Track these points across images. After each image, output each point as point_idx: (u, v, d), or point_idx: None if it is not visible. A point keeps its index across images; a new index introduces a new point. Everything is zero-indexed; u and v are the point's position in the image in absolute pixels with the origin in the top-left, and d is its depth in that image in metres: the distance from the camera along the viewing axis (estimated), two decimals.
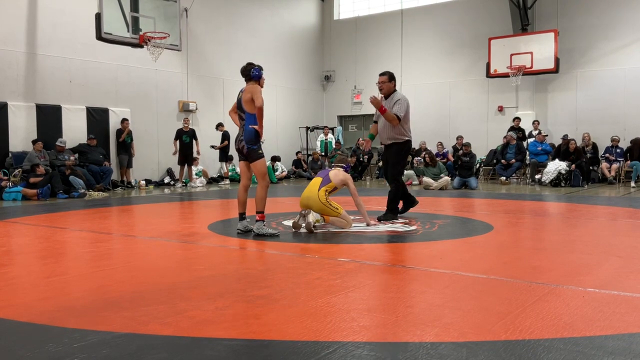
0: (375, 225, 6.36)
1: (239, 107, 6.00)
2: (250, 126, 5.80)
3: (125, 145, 13.08)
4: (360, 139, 16.86)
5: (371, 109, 18.46)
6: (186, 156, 13.72)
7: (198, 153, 14.00)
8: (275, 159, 16.23)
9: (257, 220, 5.74)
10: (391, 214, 6.89)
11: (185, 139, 13.65)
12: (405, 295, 3.38)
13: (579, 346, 2.46)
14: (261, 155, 5.83)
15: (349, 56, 18.87)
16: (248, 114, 5.85)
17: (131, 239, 5.86)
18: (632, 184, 12.38)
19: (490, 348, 2.45)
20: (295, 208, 6.35)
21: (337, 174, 6.40)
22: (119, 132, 13.02)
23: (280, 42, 17.86)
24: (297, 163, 17.42)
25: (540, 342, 2.51)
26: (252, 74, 6.11)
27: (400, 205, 7.23)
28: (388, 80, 6.96)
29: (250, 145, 5.78)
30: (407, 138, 6.94)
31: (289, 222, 6.61)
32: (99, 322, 2.84)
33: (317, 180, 6.27)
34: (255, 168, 5.84)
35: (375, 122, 7.28)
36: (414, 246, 5.17)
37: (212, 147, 14.78)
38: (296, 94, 18.54)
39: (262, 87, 6.05)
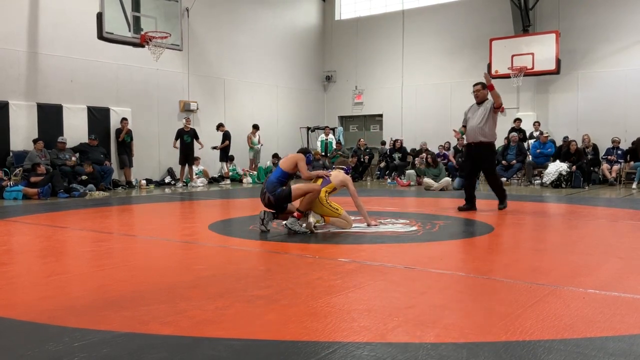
0: (375, 225, 6.37)
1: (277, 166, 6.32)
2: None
3: (125, 145, 13.08)
4: (361, 140, 16.85)
5: (373, 110, 18.55)
6: (187, 156, 13.72)
7: (201, 146, 13.95)
8: (276, 156, 16.25)
9: (292, 216, 5.90)
10: (503, 200, 8.00)
11: (187, 139, 13.65)
12: (405, 295, 3.38)
13: (579, 347, 2.46)
14: (289, 189, 5.99)
15: (350, 56, 18.88)
16: (279, 168, 6.16)
17: (132, 238, 5.86)
18: (634, 185, 12.36)
19: (491, 349, 2.45)
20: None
21: (337, 175, 6.41)
22: (118, 132, 13.02)
23: (282, 42, 17.87)
24: None
25: (541, 343, 2.50)
26: (307, 155, 6.40)
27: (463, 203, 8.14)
28: (482, 89, 8.10)
29: (274, 192, 5.95)
30: (494, 139, 8.08)
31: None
32: (99, 322, 2.84)
33: (317, 182, 6.28)
34: (298, 195, 5.97)
35: (464, 126, 8.31)
36: (415, 247, 5.17)
37: (214, 148, 14.79)
38: (297, 94, 18.54)
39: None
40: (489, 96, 8.02)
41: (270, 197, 5.97)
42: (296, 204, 6.13)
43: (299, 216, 5.94)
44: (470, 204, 8.08)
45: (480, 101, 8.15)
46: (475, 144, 8.02)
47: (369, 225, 6.33)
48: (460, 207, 8.11)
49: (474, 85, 8.31)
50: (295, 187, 6.02)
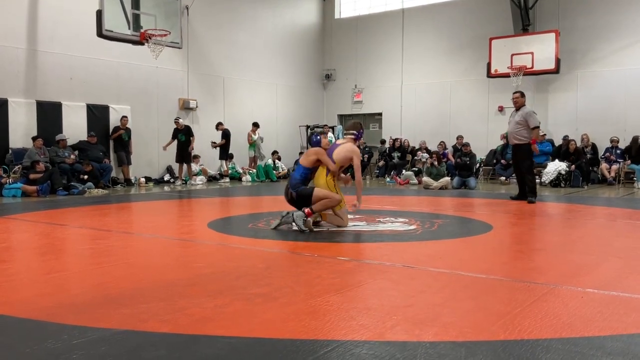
0: (355, 207, 6.23)
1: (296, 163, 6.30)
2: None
3: (123, 143, 13.05)
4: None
5: (372, 108, 18.57)
6: (183, 154, 13.70)
7: (192, 148, 13.90)
8: (275, 153, 16.24)
9: (302, 211, 5.85)
10: (532, 195, 8.92)
11: (181, 137, 13.62)
12: (404, 294, 3.38)
13: (577, 346, 2.47)
14: (311, 189, 5.99)
15: (349, 55, 18.87)
16: (300, 166, 6.17)
17: (131, 236, 5.86)
18: (638, 185, 12.36)
19: (489, 348, 2.45)
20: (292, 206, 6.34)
21: (340, 151, 6.21)
22: (115, 130, 12.98)
23: (281, 41, 17.86)
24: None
25: (539, 342, 2.51)
26: (311, 140, 6.40)
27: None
28: (520, 97, 9.21)
29: (296, 188, 5.96)
30: (527, 140, 8.91)
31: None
32: (98, 319, 2.84)
33: (322, 170, 6.22)
34: (320, 200, 5.91)
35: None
36: (414, 245, 5.17)
37: (212, 143, 14.77)
38: (297, 92, 18.54)
39: (325, 148, 6.25)
40: (525, 103, 9.28)
41: (293, 193, 5.99)
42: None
43: (309, 214, 5.89)
44: (521, 195, 9.16)
45: (518, 107, 9.17)
46: (513, 146, 9.19)
47: (355, 206, 6.21)
48: (512, 197, 9.43)
49: (513, 93, 9.39)
50: (317, 190, 5.98)
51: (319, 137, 6.33)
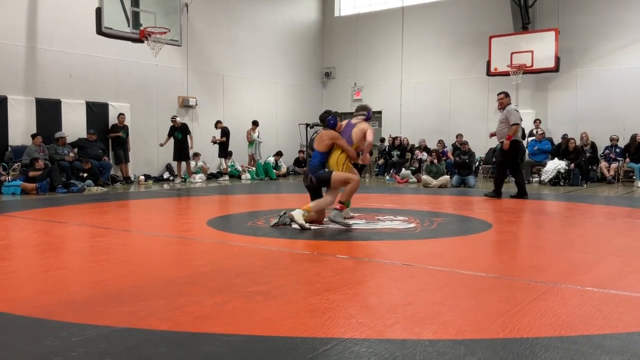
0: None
1: (310, 145, 6.35)
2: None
3: (120, 141, 13.03)
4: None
5: (372, 106, 18.45)
6: (180, 152, 13.69)
7: (191, 147, 13.91)
8: (279, 154, 16.24)
9: (334, 209, 5.97)
10: (522, 194, 9.21)
11: (178, 135, 13.61)
12: (403, 292, 3.38)
13: (576, 345, 2.47)
14: (330, 172, 6.07)
15: (349, 53, 18.85)
16: (316, 152, 6.21)
17: (130, 234, 5.86)
18: (638, 183, 12.35)
19: (488, 346, 2.45)
20: (294, 205, 6.34)
21: (357, 131, 6.31)
22: (113, 128, 12.96)
23: (281, 39, 17.84)
24: (298, 161, 17.43)
25: (538, 341, 2.51)
26: (328, 122, 6.37)
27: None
28: (505, 97, 9.43)
29: (315, 173, 6.07)
30: (516, 139, 9.13)
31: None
32: (97, 317, 2.84)
33: (335, 151, 6.25)
34: (338, 183, 6.06)
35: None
36: (413, 244, 5.17)
37: (213, 138, 14.77)
38: (296, 90, 18.52)
39: (339, 130, 6.37)
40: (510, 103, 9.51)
41: (313, 178, 6.09)
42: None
43: (342, 208, 6.02)
44: (496, 193, 9.35)
45: (502, 107, 9.38)
46: (501, 144, 9.32)
47: (363, 162, 6.52)
48: (486, 194, 9.61)
49: (498, 94, 9.66)
50: (335, 174, 6.05)
51: (335, 119, 6.38)
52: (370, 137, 6.25)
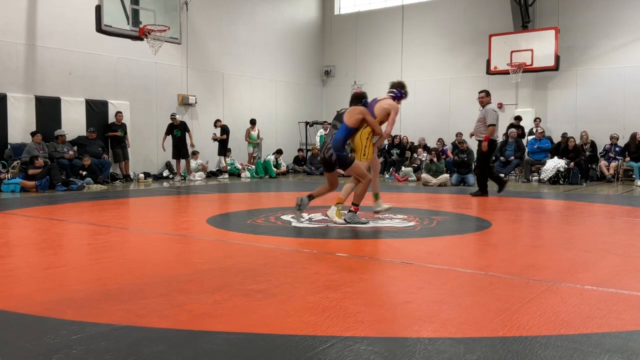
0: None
1: (336, 118, 6.35)
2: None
3: (119, 139, 13.02)
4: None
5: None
6: (179, 150, 13.68)
7: (192, 145, 13.92)
8: (280, 152, 16.23)
9: (349, 211, 6.10)
10: (481, 192, 9.40)
11: (177, 133, 13.61)
12: (403, 290, 3.39)
13: (576, 343, 2.47)
14: (352, 159, 6.15)
15: (349, 51, 18.84)
16: (344, 126, 6.14)
17: (130, 231, 5.86)
18: (638, 182, 12.34)
19: (488, 344, 2.45)
20: (294, 203, 6.34)
21: (381, 105, 6.39)
22: (111, 126, 12.94)
23: (281, 37, 17.83)
24: (297, 160, 17.45)
25: (538, 339, 2.51)
26: (364, 101, 6.39)
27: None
28: (486, 96, 9.46)
29: (339, 152, 6.06)
30: (492, 138, 9.23)
31: (287, 217, 6.61)
32: (97, 314, 2.84)
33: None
34: (353, 172, 6.15)
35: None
36: (413, 242, 5.18)
37: (214, 135, 14.76)
38: (296, 88, 18.51)
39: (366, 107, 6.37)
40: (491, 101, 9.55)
41: (334, 155, 6.05)
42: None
43: (356, 210, 6.13)
44: (482, 191, 9.44)
45: (483, 106, 9.46)
46: (479, 141, 9.40)
47: (385, 137, 6.45)
48: (471, 193, 9.63)
49: (479, 93, 9.62)
50: (356, 164, 6.14)
51: (367, 101, 6.42)
52: (390, 128, 6.34)
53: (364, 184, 6.16)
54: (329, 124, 18.74)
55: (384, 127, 6.45)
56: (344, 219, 6.09)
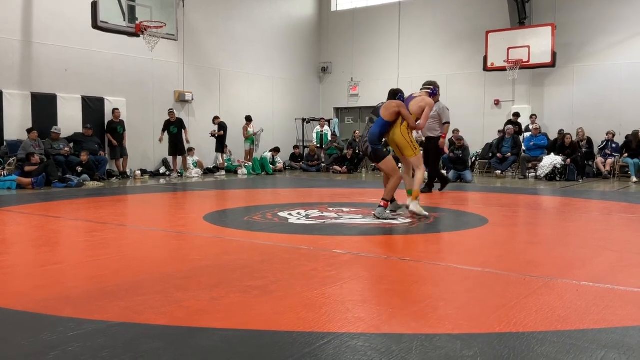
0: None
1: (373, 112, 6.55)
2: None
3: (117, 135, 12.98)
4: (357, 132, 16.84)
5: (369, 102, 18.49)
6: (176, 146, 13.66)
7: (187, 142, 13.89)
8: (277, 150, 16.22)
9: (379, 206, 6.23)
10: (428, 188, 9.34)
11: (173, 130, 13.59)
12: (400, 287, 3.39)
13: (572, 339, 2.48)
14: (387, 153, 6.41)
15: (346, 48, 18.82)
16: (381, 119, 6.34)
17: (126, 228, 5.85)
18: (634, 179, 12.35)
19: (485, 340, 2.46)
20: (291, 200, 6.34)
21: (417, 101, 6.50)
22: (110, 124, 12.92)
23: (278, 33, 17.80)
24: (294, 156, 17.43)
25: (534, 335, 2.52)
26: (400, 97, 6.58)
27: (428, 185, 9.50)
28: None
29: (375, 145, 6.30)
30: (438, 134, 9.48)
31: (284, 214, 6.61)
32: (94, 311, 2.84)
33: (397, 125, 6.40)
34: (385, 166, 6.36)
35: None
36: (410, 239, 5.18)
37: (212, 132, 14.75)
38: (293, 85, 18.49)
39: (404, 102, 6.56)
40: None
41: (369, 148, 6.31)
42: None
43: (386, 205, 6.25)
44: (429, 188, 9.45)
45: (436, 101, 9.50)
46: (426, 138, 9.75)
47: (416, 129, 6.52)
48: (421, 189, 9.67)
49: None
50: (389, 160, 6.36)
51: (403, 96, 6.57)
52: (424, 122, 6.46)
53: (395, 179, 6.31)
54: (326, 120, 18.82)
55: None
56: (374, 214, 6.21)
